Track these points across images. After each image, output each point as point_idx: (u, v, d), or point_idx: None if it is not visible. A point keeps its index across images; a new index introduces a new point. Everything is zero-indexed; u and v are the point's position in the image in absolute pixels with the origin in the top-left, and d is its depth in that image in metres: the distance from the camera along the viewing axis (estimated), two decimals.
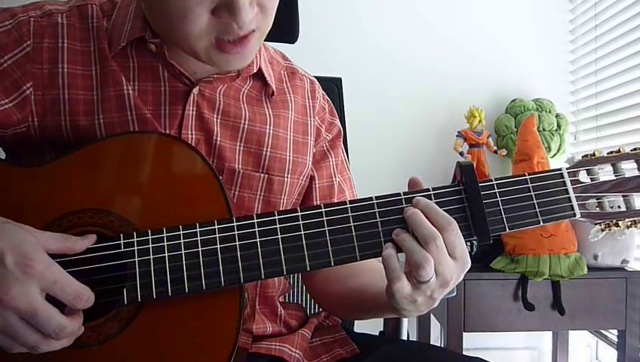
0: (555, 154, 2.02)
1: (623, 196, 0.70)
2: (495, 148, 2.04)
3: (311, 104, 0.94)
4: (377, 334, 1.13)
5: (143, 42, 0.79)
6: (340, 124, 0.99)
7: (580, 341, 2.18)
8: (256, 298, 0.87)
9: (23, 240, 0.58)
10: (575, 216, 0.70)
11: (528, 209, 0.69)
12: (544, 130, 1.98)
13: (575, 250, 1.68)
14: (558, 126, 2.01)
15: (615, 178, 0.71)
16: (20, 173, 0.70)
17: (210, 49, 0.71)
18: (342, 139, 0.99)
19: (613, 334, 1.87)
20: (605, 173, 0.71)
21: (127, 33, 0.78)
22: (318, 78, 1.03)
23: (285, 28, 1.16)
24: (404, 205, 0.68)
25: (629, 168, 0.72)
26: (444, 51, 2.16)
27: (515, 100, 2.07)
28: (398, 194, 0.69)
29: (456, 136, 2.02)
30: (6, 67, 0.74)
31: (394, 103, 2.14)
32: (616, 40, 1.97)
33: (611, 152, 0.72)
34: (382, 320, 1.15)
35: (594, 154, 0.72)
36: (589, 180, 0.71)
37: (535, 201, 0.69)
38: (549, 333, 2.17)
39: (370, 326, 1.05)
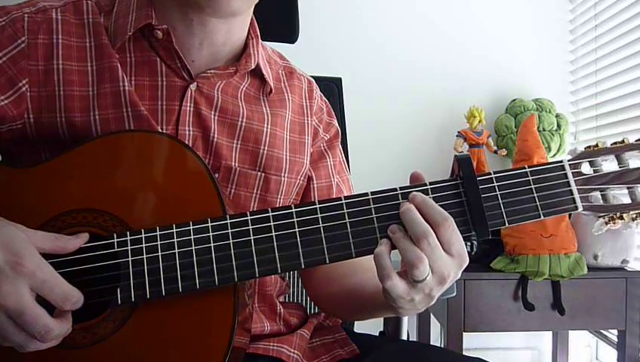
0: (555, 154, 2.02)
1: (628, 188, 0.68)
2: (495, 148, 2.04)
3: (308, 104, 0.94)
4: (377, 334, 1.12)
5: (144, 35, 0.79)
6: (337, 125, 0.98)
7: (580, 341, 2.18)
8: (254, 296, 0.87)
9: (15, 237, 0.58)
10: (577, 208, 0.67)
11: (528, 202, 0.67)
12: (544, 130, 1.98)
13: (575, 249, 1.67)
14: (558, 126, 2.01)
15: (619, 169, 0.69)
16: (14, 173, 0.70)
17: None
18: (340, 141, 0.98)
19: (613, 334, 1.87)
20: (609, 165, 0.69)
21: (132, 22, 0.78)
22: (318, 78, 1.02)
23: (285, 28, 1.16)
24: (401, 200, 0.67)
25: (633, 160, 0.70)
26: (445, 51, 2.16)
27: (515, 100, 2.07)
28: (395, 190, 0.67)
29: (456, 136, 2.02)
30: (1, 64, 0.74)
31: (394, 103, 2.14)
32: (616, 40, 1.97)
33: (615, 143, 0.70)
34: (382, 320, 1.14)
35: (597, 145, 0.70)
36: (591, 172, 0.68)
37: (535, 195, 0.67)
38: (549, 333, 2.17)
39: (370, 326, 1.04)
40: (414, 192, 0.67)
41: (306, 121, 0.93)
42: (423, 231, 0.63)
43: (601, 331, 1.96)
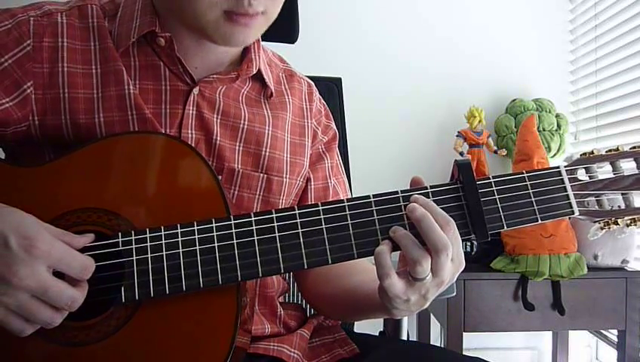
0: (555, 155, 2.02)
1: (622, 194, 0.70)
2: (495, 148, 2.04)
3: (308, 106, 0.95)
4: (377, 334, 1.13)
5: (147, 40, 0.80)
6: (335, 128, 0.99)
7: (580, 341, 2.18)
8: (255, 298, 0.87)
9: (24, 221, 0.60)
10: (573, 213, 0.69)
11: (526, 207, 0.69)
12: (544, 130, 1.98)
13: (575, 250, 1.68)
14: (558, 126, 2.01)
15: (614, 176, 0.71)
16: (20, 172, 0.70)
17: (219, 20, 0.72)
18: (337, 143, 0.99)
19: (613, 334, 1.87)
20: (604, 172, 0.71)
21: (136, 29, 0.78)
22: (318, 78, 1.03)
23: (285, 28, 1.16)
24: (402, 203, 0.68)
25: (627, 167, 0.72)
26: (444, 51, 2.16)
27: (515, 100, 2.07)
28: (396, 193, 0.69)
29: (456, 136, 2.03)
30: (6, 66, 0.74)
31: (394, 103, 2.14)
32: (616, 40, 1.97)
33: (610, 150, 0.72)
34: (382, 320, 1.15)
35: (592, 153, 0.72)
36: (587, 178, 0.71)
37: (533, 199, 0.69)
38: (549, 333, 2.17)
39: (370, 326, 1.05)
40: (417, 195, 0.68)
41: (305, 124, 0.93)
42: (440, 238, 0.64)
43: (601, 331, 1.97)
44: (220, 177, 0.80)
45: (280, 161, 0.87)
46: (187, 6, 0.72)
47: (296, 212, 0.68)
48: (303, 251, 0.66)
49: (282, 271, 0.66)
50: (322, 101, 1.00)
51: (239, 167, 0.83)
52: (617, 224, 0.70)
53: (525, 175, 0.70)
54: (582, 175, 0.71)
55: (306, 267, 0.66)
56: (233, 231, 0.66)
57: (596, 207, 0.70)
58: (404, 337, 1.12)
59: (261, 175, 0.85)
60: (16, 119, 0.75)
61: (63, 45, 0.77)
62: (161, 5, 0.79)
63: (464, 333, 1.66)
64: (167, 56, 0.80)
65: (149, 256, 0.65)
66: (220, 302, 0.66)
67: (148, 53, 0.80)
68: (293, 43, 1.19)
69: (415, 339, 2.05)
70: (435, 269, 0.64)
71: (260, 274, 0.66)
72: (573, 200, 0.70)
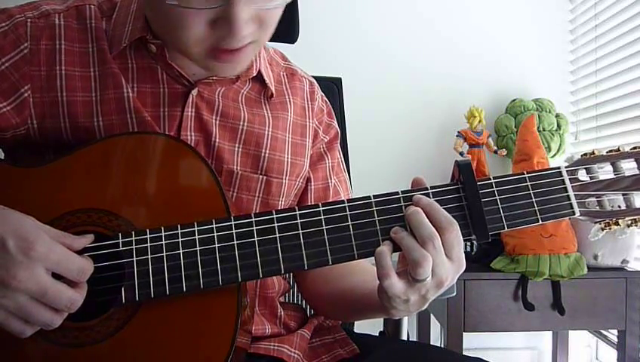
0: (555, 155, 2.02)
1: (623, 195, 0.70)
2: (495, 148, 2.04)
3: (309, 106, 0.94)
4: (377, 334, 1.13)
5: (142, 43, 0.79)
6: (337, 126, 0.98)
7: (580, 341, 2.18)
8: (255, 299, 0.87)
9: (23, 223, 0.59)
10: (574, 214, 0.69)
11: (527, 207, 0.69)
12: (544, 130, 1.98)
13: (575, 250, 1.68)
14: (558, 126, 2.01)
15: (615, 176, 0.71)
16: (20, 173, 0.70)
17: (205, 56, 0.72)
18: (339, 141, 0.98)
19: (613, 334, 1.87)
20: (605, 172, 0.71)
21: (128, 34, 0.77)
22: (318, 78, 1.02)
23: (285, 28, 1.15)
24: (403, 204, 0.68)
25: (628, 167, 0.72)
26: (444, 51, 2.16)
27: (515, 100, 2.07)
28: (397, 193, 0.69)
29: (456, 136, 2.03)
30: (3, 70, 0.73)
31: (394, 103, 2.14)
32: (616, 40, 1.97)
33: (610, 151, 0.72)
34: (382, 320, 1.15)
35: (593, 153, 0.72)
36: (588, 179, 0.71)
37: (534, 200, 0.69)
38: (549, 333, 2.17)
39: (370, 326, 1.05)
40: (419, 195, 0.68)
41: (307, 123, 0.93)
42: (429, 233, 0.64)
43: (601, 331, 1.97)
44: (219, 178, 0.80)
45: (280, 163, 0.86)
46: (174, 34, 0.71)
47: (297, 213, 0.68)
48: (304, 252, 0.66)
49: (283, 271, 0.66)
50: (324, 99, 0.99)
51: (238, 168, 0.83)
52: (618, 224, 0.70)
53: (526, 175, 0.70)
54: (583, 175, 0.71)
55: (306, 268, 0.66)
56: (234, 231, 0.66)
57: (597, 207, 0.70)
58: (404, 337, 1.12)
59: (260, 176, 0.84)
60: (15, 123, 0.75)
61: (61, 48, 0.76)
62: (151, 18, 0.77)
63: (464, 333, 1.66)
64: (162, 61, 0.79)
65: (150, 256, 0.65)
66: (220, 302, 0.66)
67: (144, 56, 0.79)
68: (293, 43, 1.19)
69: (415, 339, 2.05)
70: (433, 268, 0.64)
71: (261, 275, 0.66)
72: (574, 201, 0.70)
